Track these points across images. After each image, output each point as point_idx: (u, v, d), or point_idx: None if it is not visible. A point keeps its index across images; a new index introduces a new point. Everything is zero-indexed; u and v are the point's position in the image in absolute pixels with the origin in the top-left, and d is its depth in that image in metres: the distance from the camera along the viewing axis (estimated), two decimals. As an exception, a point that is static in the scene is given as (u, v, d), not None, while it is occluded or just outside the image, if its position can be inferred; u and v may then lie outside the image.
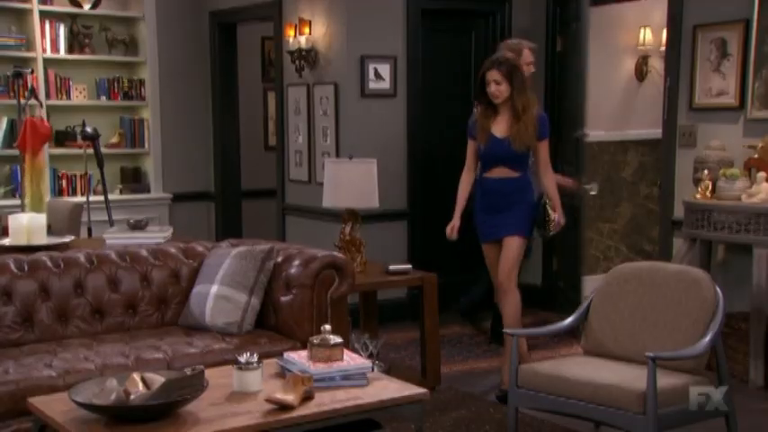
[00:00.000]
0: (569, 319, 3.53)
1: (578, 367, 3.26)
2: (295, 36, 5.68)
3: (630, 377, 3.06)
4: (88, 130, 4.62)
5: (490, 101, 4.00)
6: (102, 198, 5.16)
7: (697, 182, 4.58)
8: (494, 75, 3.94)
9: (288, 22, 5.78)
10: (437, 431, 3.71)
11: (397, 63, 5.55)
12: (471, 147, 4.17)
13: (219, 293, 3.67)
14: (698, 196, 4.53)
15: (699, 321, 3.20)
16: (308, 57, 5.61)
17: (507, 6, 5.94)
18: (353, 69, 5.42)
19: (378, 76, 5.46)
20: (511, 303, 4.13)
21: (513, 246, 4.10)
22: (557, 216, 4.15)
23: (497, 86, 3.94)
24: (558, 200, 4.17)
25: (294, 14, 5.74)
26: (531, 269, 6.11)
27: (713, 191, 4.48)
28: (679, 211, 4.86)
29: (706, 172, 4.51)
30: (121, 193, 6.44)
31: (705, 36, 4.83)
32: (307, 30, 5.60)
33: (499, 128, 4.03)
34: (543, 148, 4.10)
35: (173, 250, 3.92)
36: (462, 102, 5.94)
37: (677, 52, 4.99)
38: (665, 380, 3.00)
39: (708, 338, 3.13)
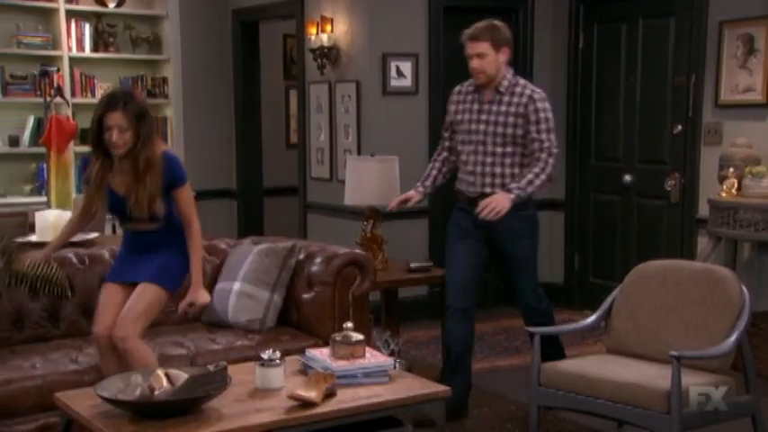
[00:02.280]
0: (592, 318, 3.52)
1: (601, 366, 3.24)
2: (317, 34, 5.69)
3: (654, 376, 3.04)
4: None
5: (107, 151, 3.05)
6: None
7: (722, 179, 4.53)
8: (117, 119, 2.96)
9: (310, 19, 5.79)
10: (458, 429, 3.70)
11: (419, 61, 5.54)
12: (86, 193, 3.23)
13: (242, 290, 3.69)
14: (723, 194, 4.48)
15: (724, 320, 3.17)
16: (329, 54, 5.61)
17: (530, 2, 5.91)
18: (375, 67, 5.42)
19: (399, 73, 5.46)
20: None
21: (145, 294, 3.14)
22: (194, 298, 3.17)
23: (121, 134, 2.98)
24: (199, 274, 3.17)
25: (316, 12, 5.75)
26: (553, 267, 6.09)
27: (739, 189, 4.43)
28: (703, 210, 4.81)
29: (732, 170, 4.47)
30: (145, 189, 6.48)
31: (731, 32, 4.77)
32: (329, 27, 5.60)
33: (118, 181, 3.10)
34: (182, 197, 3.14)
35: (196, 247, 3.94)
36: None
37: (702, 48, 4.94)
38: (690, 379, 2.97)
39: (733, 338, 3.10)
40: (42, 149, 5.28)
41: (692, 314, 3.26)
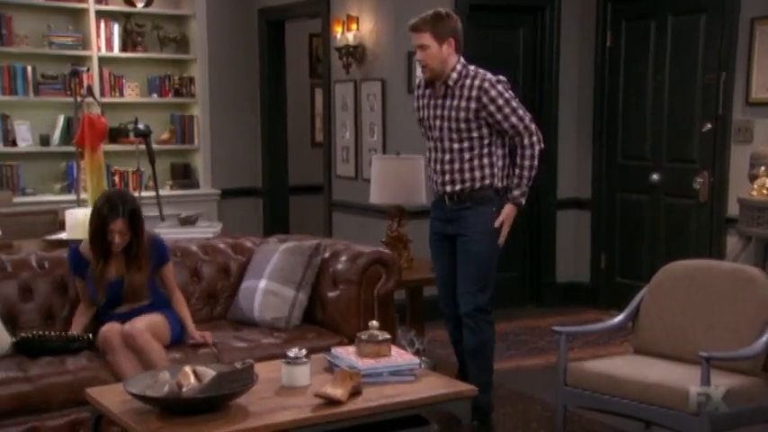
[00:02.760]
0: (619, 318, 3.49)
1: (629, 366, 3.21)
2: (343, 32, 5.70)
3: (683, 377, 3.00)
4: (140, 126, 4.70)
5: (107, 248, 3.31)
6: (153, 194, 5.24)
7: (753, 178, 4.47)
8: (118, 225, 3.25)
9: (336, 18, 5.80)
10: (484, 429, 3.69)
11: (445, 59, 5.51)
12: (81, 287, 3.41)
13: (268, 288, 3.71)
14: (754, 193, 4.42)
15: (755, 321, 3.13)
16: (355, 53, 5.62)
17: (556, 1, 5.87)
18: (401, 65, 5.42)
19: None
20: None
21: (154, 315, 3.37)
22: (202, 336, 3.37)
23: (122, 237, 3.28)
24: (192, 326, 3.41)
25: (342, 11, 5.76)
26: (579, 267, 6.05)
27: (770, 188, 4.37)
28: (732, 209, 4.75)
29: (763, 168, 4.40)
30: (171, 188, 6.54)
31: (763, 29, 4.70)
32: (354, 26, 5.61)
33: (113, 269, 3.35)
34: (168, 274, 3.46)
35: (222, 245, 3.98)
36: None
37: (733, 45, 4.87)
38: (719, 381, 2.93)
39: (765, 338, 3.06)
40: (72, 148, 5.35)
41: (722, 315, 3.22)
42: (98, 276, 3.33)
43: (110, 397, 2.67)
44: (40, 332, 3.27)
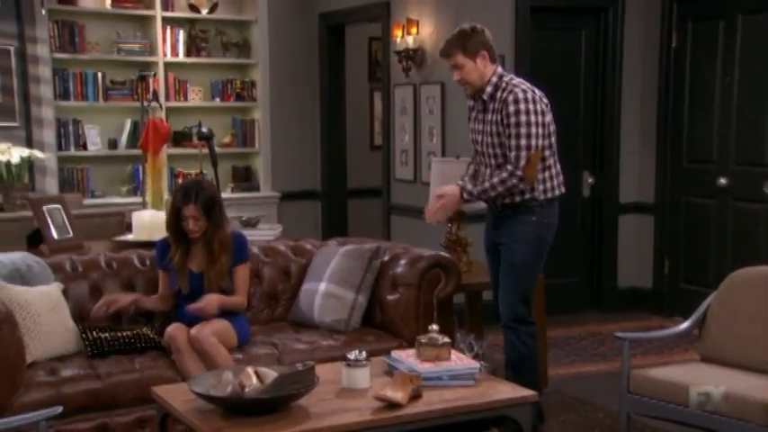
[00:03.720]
0: (685, 324, 3.41)
1: (695, 374, 3.13)
2: (402, 36, 5.71)
3: (753, 387, 2.92)
4: (204, 130, 4.78)
5: (185, 235, 3.40)
6: (215, 196, 5.35)
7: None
8: (191, 210, 3.33)
9: (396, 22, 5.82)
10: (544, 436, 3.66)
11: (505, 62, 5.47)
12: (163, 278, 3.50)
13: (327, 291, 3.74)
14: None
15: (829, 331, 3.02)
16: (415, 56, 5.63)
17: (620, 1, 5.77)
18: (460, 68, 5.40)
19: (485, 75, 5.41)
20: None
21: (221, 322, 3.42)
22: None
23: (195, 222, 3.35)
24: (222, 299, 3.40)
25: (402, 14, 5.77)
26: (641, 272, 5.93)
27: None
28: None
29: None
30: (232, 191, 6.65)
31: None
32: (414, 30, 5.62)
33: (194, 262, 3.44)
34: (241, 273, 3.47)
35: (282, 248, 4.03)
36: (570, 101, 5.83)
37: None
38: (791, 392, 2.85)
39: (839, 349, 2.95)
40: (138, 152, 5.49)
41: (794, 324, 3.11)
42: (179, 266, 3.41)
43: (175, 395, 2.73)
44: (110, 333, 3.36)
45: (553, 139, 3.48)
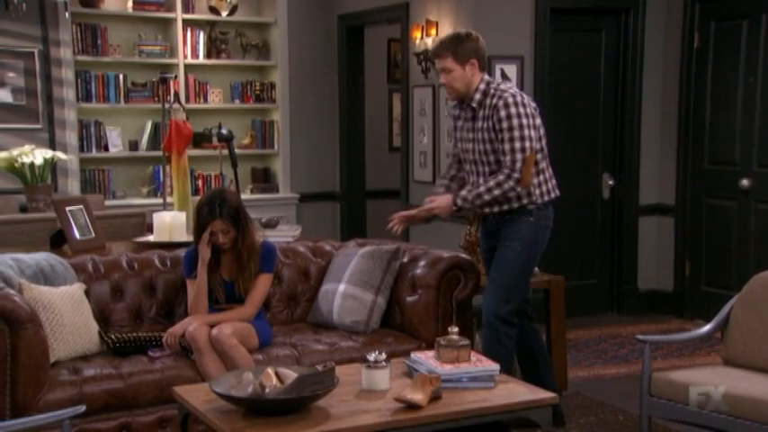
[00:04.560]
0: (707, 327, 3.38)
1: (719, 377, 3.11)
2: (422, 37, 5.71)
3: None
4: (224, 131, 4.81)
5: (216, 249, 3.41)
6: (235, 197, 5.37)
7: None
8: (218, 225, 3.34)
9: (415, 23, 5.82)
10: (564, 438, 3.64)
11: (525, 63, 5.47)
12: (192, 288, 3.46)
13: (347, 292, 3.75)
14: None
15: None
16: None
17: (641, 1, 5.73)
18: (479, 70, 5.39)
19: (504, 76, 5.40)
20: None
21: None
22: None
23: (225, 236, 3.37)
24: (215, 316, 3.38)
25: (421, 16, 5.77)
26: (662, 274, 5.89)
27: None
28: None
29: None
30: (252, 192, 6.68)
31: None
32: (433, 31, 5.62)
33: (225, 270, 3.48)
34: (261, 283, 3.46)
35: (302, 249, 4.04)
36: (590, 102, 5.80)
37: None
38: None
39: None
40: (159, 153, 5.53)
41: (818, 327, 3.08)
42: (211, 276, 3.42)
43: (196, 396, 2.75)
44: (132, 334, 3.40)
45: (544, 142, 3.47)
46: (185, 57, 6.39)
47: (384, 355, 2.82)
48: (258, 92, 6.73)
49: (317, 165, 6.96)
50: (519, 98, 3.36)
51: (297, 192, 6.84)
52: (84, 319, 3.34)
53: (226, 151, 5.16)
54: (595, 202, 5.88)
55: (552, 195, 3.52)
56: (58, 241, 4.18)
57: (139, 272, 3.65)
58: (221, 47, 6.59)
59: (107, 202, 5.84)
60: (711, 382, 3.05)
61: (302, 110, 6.83)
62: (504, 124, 3.30)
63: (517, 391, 2.82)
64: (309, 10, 6.81)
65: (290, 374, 2.67)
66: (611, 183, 5.87)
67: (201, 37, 6.49)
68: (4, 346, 2.94)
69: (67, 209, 4.18)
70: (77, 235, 4.14)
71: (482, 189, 3.37)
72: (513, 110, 3.30)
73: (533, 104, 3.45)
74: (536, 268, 4.43)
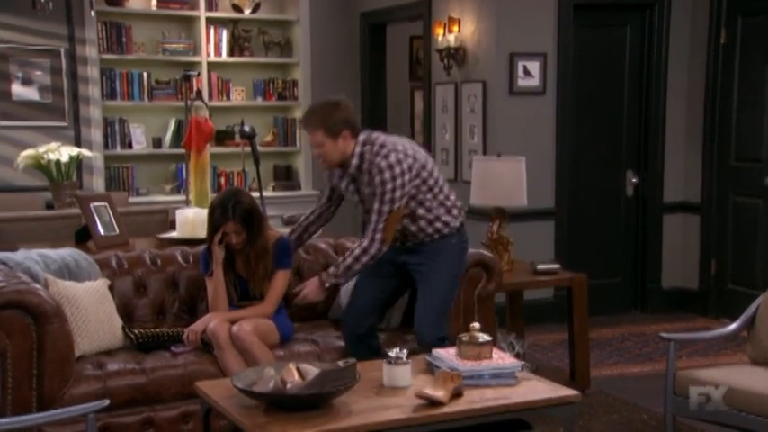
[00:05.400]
0: (733, 325, 3.34)
1: (744, 376, 3.07)
2: (444, 35, 5.70)
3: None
4: (246, 129, 4.83)
5: (227, 246, 3.41)
6: (257, 194, 5.39)
7: None
8: (230, 227, 3.35)
9: (437, 20, 5.81)
10: (585, 437, 3.62)
11: (547, 60, 5.44)
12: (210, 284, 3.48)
13: (368, 289, 3.73)
14: None
15: None
16: (456, 55, 5.61)
17: (666, -2, 5.68)
18: (502, 67, 5.37)
19: (527, 73, 5.38)
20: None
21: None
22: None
23: (237, 236, 3.38)
24: (236, 312, 3.40)
25: (444, 13, 5.76)
26: (687, 273, 5.83)
27: None
28: None
29: None
30: (274, 189, 6.71)
31: None
32: (456, 28, 5.60)
33: (240, 267, 3.49)
34: (278, 279, 3.45)
35: (323, 246, 4.05)
36: (614, 99, 5.76)
37: None
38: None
39: None
40: (182, 150, 5.57)
41: None
42: (226, 275, 3.43)
43: (218, 391, 2.76)
44: (155, 330, 3.42)
45: (435, 176, 3.39)
46: (208, 54, 6.43)
47: (405, 352, 2.81)
48: (280, 89, 6.76)
49: (339, 162, 6.96)
50: (393, 158, 3.29)
51: (318, 189, 6.84)
52: (108, 315, 3.37)
53: (248, 149, 5.18)
54: (619, 200, 5.83)
55: (461, 217, 3.48)
56: (82, 237, 4.22)
57: (162, 268, 3.68)
58: (244, 45, 6.62)
59: (131, 199, 5.90)
60: (738, 380, 3.01)
61: (324, 107, 6.83)
62: (378, 189, 3.29)
63: (539, 389, 2.80)
64: (332, 8, 6.82)
65: (312, 370, 2.67)
66: (634, 180, 5.82)
67: (224, 35, 6.53)
68: (31, 339, 2.97)
69: (92, 205, 4.22)
70: (101, 231, 4.17)
71: (349, 261, 3.35)
72: (386, 174, 3.27)
73: (411, 151, 3.35)
74: (558, 265, 4.43)
